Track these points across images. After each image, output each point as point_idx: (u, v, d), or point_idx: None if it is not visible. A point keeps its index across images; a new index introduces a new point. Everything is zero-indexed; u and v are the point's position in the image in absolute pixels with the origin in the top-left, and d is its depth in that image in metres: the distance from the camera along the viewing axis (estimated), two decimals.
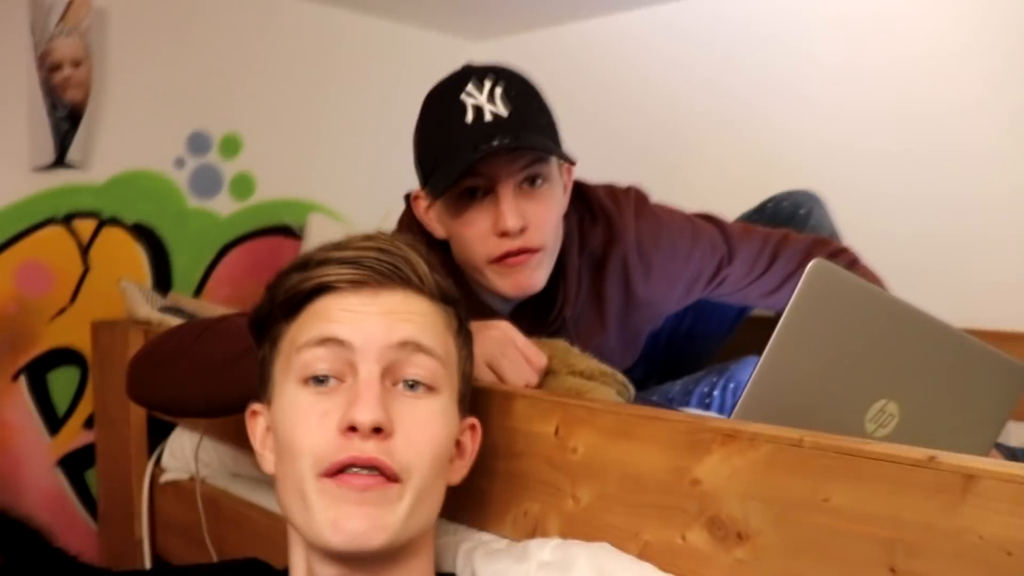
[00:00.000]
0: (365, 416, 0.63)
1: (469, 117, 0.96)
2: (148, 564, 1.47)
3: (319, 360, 0.67)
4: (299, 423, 0.66)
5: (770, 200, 1.43)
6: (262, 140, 1.91)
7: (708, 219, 1.24)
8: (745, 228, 1.26)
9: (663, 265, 1.18)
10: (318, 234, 1.92)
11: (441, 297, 0.72)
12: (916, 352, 0.93)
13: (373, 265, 0.68)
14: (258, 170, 1.92)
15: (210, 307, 1.60)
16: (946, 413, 0.94)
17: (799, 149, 1.82)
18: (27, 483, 1.66)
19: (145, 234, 1.77)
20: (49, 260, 1.66)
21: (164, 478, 1.44)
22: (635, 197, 1.19)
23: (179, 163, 1.81)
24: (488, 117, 0.96)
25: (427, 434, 0.67)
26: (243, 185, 1.90)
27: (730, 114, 1.94)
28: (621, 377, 0.97)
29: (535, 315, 1.10)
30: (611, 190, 1.20)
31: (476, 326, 0.82)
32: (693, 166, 1.94)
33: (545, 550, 0.76)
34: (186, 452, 1.43)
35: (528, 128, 0.97)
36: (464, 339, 0.74)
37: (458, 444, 0.73)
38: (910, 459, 0.59)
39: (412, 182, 1.09)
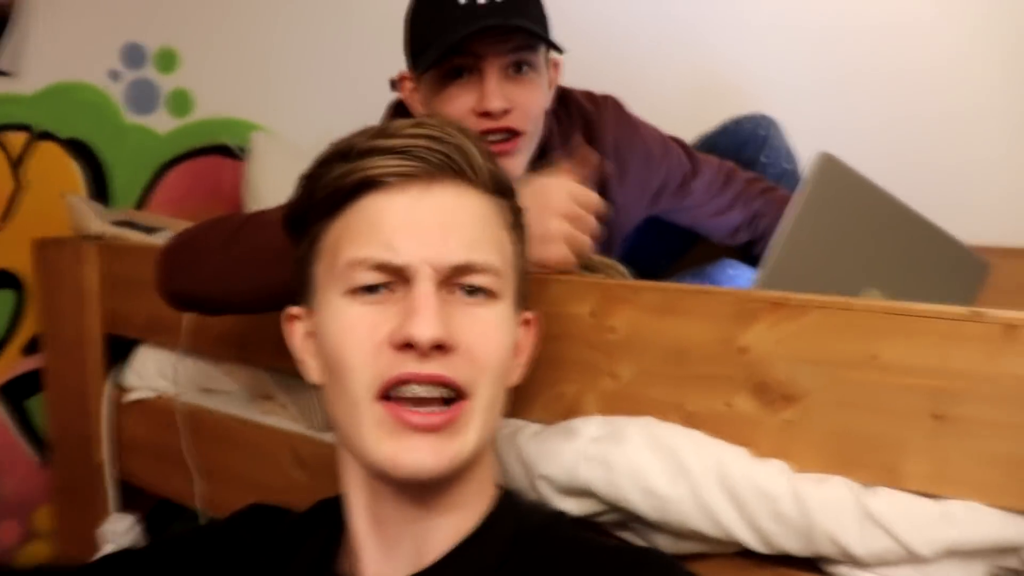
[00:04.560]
0: (424, 332, 0.57)
1: None
2: (111, 487, 1.43)
3: (368, 272, 0.61)
4: (348, 337, 0.60)
5: (731, 121, 1.50)
6: (200, 55, 1.82)
7: (672, 138, 1.31)
8: (701, 153, 1.33)
9: (637, 171, 1.23)
10: (263, 155, 1.85)
11: (496, 189, 0.66)
12: (899, 243, 1.01)
13: (424, 156, 0.61)
14: (196, 86, 1.83)
15: (168, 221, 1.53)
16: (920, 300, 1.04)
17: (743, 74, 1.88)
18: None
19: (80, 150, 1.67)
20: None
21: (129, 397, 1.39)
22: (613, 103, 1.24)
23: (114, 76, 1.70)
24: (482, 0, 0.98)
25: (492, 347, 0.62)
26: (180, 101, 1.81)
27: (672, 41, 1.98)
28: (623, 268, 1.00)
29: None
30: (590, 95, 1.25)
31: (534, 184, 0.83)
32: (637, 93, 1.97)
33: (591, 426, 0.79)
34: (150, 370, 1.39)
35: (521, 15, 1.01)
36: (519, 233, 0.68)
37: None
38: (956, 314, 0.65)
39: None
